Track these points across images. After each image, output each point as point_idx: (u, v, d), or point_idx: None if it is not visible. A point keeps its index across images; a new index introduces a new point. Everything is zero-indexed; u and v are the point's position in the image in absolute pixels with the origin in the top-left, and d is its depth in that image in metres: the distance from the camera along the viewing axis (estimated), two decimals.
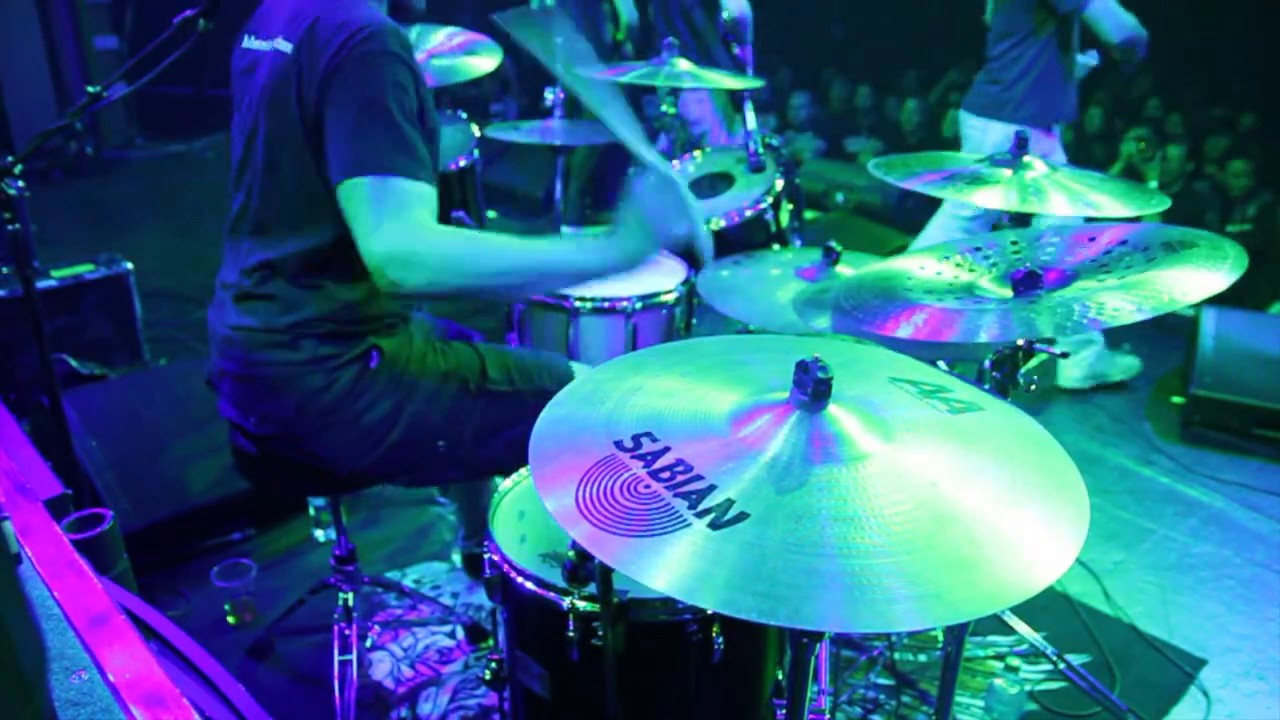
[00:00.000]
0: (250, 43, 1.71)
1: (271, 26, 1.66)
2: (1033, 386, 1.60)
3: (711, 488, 0.96)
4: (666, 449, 1.03)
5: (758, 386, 1.15)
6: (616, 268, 1.48)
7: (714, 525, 0.91)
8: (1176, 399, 3.65)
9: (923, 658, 2.33)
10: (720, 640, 1.38)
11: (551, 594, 1.41)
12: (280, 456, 1.77)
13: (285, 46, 1.59)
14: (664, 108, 3.28)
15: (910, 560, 0.87)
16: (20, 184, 2.03)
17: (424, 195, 1.49)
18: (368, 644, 2.34)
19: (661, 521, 0.92)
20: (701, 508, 0.94)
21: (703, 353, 1.30)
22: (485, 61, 3.00)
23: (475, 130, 3.37)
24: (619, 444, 1.05)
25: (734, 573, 0.86)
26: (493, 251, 1.47)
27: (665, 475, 0.99)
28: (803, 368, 1.05)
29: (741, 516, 0.92)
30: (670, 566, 0.87)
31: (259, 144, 1.64)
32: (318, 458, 1.74)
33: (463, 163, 3.19)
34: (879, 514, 0.93)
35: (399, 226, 1.45)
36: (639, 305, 2.29)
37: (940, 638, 2.30)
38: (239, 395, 1.74)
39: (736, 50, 3.79)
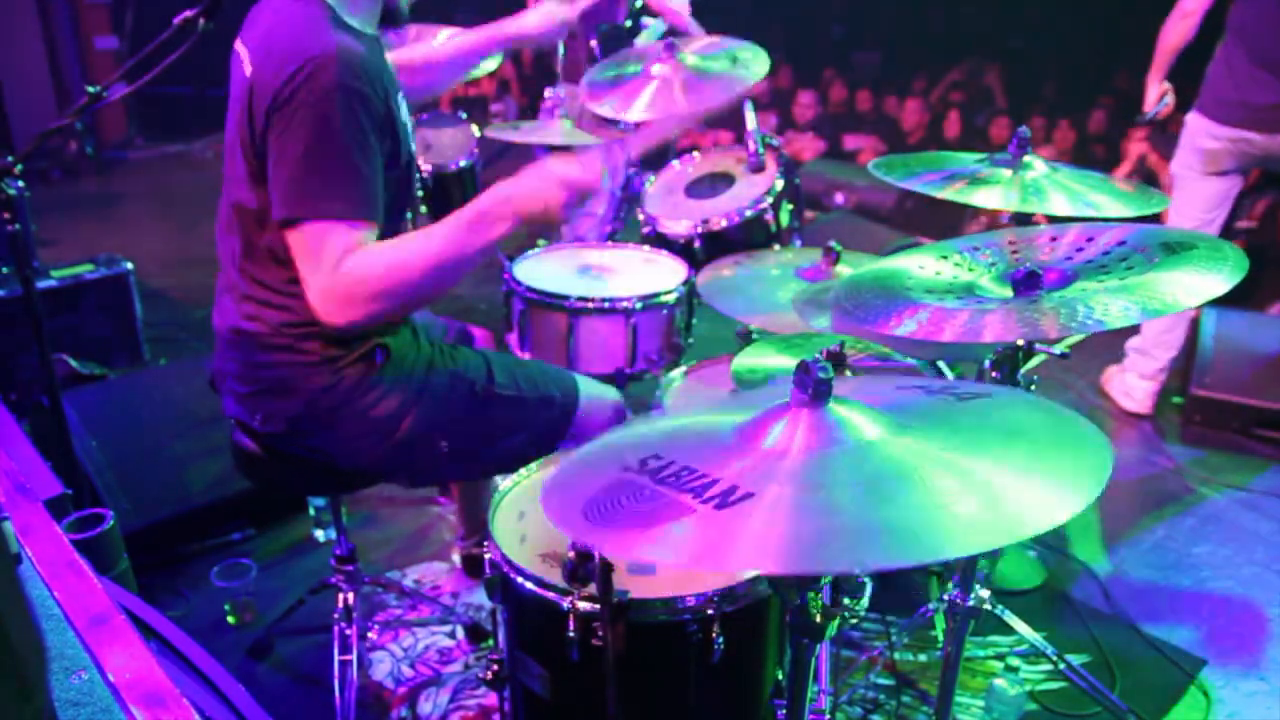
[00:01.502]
0: (238, 45, 1.71)
1: (249, 36, 1.66)
2: (1032, 386, 1.60)
3: (717, 480, 0.95)
4: (672, 463, 1.02)
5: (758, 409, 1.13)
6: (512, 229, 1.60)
7: (720, 506, 0.89)
8: (1176, 399, 3.65)
9: (923, 658, 2.33)
10: (720, 640, 1.37)
11: (551, 594, 1.40)
12: (284, 453, 1.77)
13: (248, 68, 1.58)
14: None
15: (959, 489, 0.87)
16: (20, 184, 2.03)
17: (359, 236, 1.52)
18: (367, 644, 2.34)
19: (666, 512, 0.91)
20: (707, 496, 0.92)
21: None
22: (485, 62, 2.99)
23: (475, 130, 3.37)
24: (625, 468, 1.03)
25: (755, 540, 0.84)
26: (413, 262, 1.55)
27: (671, 480, 0.98)
28: (803, 368, 1.05)
29: (747, 495, 0.90)
30: (675, 543, 0.86)
31: (230, 153, 1.65)
32: (323, 453, 1.74)
33: (463, 163, 3.19)
34: (912, 473, 0.92)
35: (333, 278, 1.50)
36: (639, 305, 2.29)
37: (940, 638, 2.30)
38: (244, 394, 1.74)
39: None
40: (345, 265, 1.50)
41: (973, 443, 0.99)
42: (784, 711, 1.13)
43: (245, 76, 1.58)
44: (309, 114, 1.47)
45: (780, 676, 1.56)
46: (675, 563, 0.85)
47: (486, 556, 1.53)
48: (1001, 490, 0.89)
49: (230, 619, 2.44)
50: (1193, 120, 3.30)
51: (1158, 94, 3.40)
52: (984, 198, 1.73)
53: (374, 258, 1.53)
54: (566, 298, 2.29)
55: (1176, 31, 3.25)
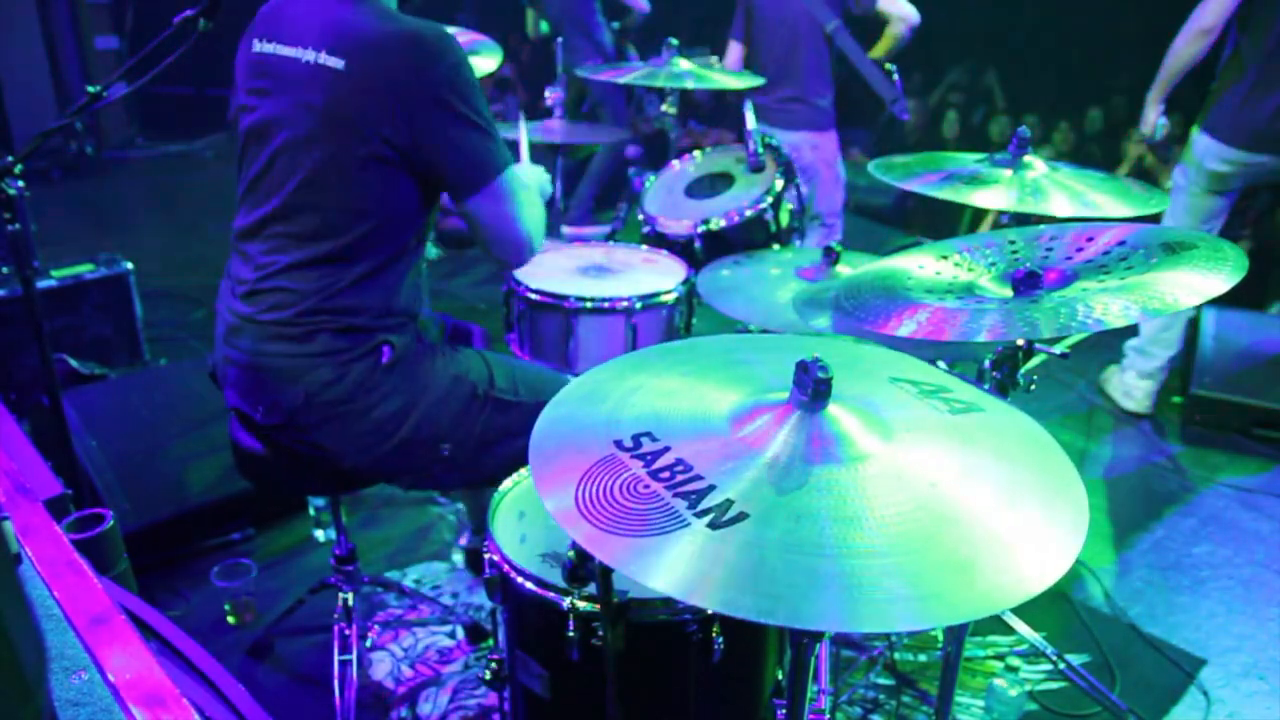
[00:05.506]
0: (264, 47, 1.69)
1: (290, 34, 1.65)
2: (1032, 386, 1.60)
3: (711, 488, 0.96)
4: (666, 449, 1.03)
5: (758, 386, 1.15)
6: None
7: (713, 525, 0.91)
8: (1176, 399, 3.65)
9: (923, 658, 2.33)
10: (720, 640, 1.38)
11: (551, 594, 1.41)
12: (284, 448, 1.77)
13: (333, 62, 1.59)
14: (664, 107, 3.28)
15: (909, 561, 0.87)
16: (20, 184, 2.02)
17: (517, 171, 1.75)
18: (367, 644, 2.34)
19: (661, 521, 0.92)
20: (701, 508, 0.94)
21: (703, 352, 1.30)
22: (486, 62, 3.00)
23: None
24: (619, 443, 1.05)
25: (733, 573, 0.86)
26: (534, 189, 1.87)
27: (665, 475, 0.99)
28: (803, 368, 1.05)
29: (741, 516, 0.92)
30: (669, 566, 0.87)
31: (301, 156, 1.63)
32: (323, 449, 1.74)
33: None
34: (878, 514, 0.93)
35: (537, 201, 1.80)
36: (639, 305, 2.29)
37: (940, 638, 2.30)
38: (246, 385, 1.74)
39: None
40: (533, 201, 1.79)
41: (958, 478, 0.99)
42: (784, 711, 1.13)
43: (334, 74, 1.58)
44: (460, 89, 1.61)
45: (780, 676, 1.56)
46: (667, 590, 0.86)
47: (487, 556, 1.53)
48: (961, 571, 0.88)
49: (230, 619, 2.44)
50: (1201, 141, 3.18)
51: (1156, 116, 3.28)
52: (985, 198, 1.73)
53: (529, 189, 1.80)
54: (566, 298, 2.29)
55: (1190, 50, 3.08)
